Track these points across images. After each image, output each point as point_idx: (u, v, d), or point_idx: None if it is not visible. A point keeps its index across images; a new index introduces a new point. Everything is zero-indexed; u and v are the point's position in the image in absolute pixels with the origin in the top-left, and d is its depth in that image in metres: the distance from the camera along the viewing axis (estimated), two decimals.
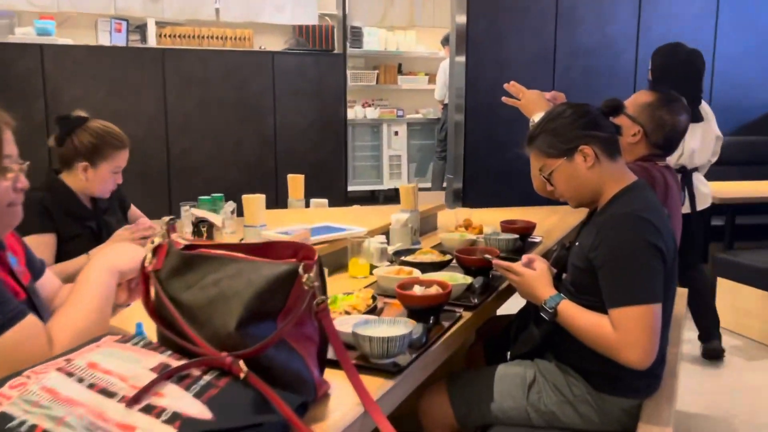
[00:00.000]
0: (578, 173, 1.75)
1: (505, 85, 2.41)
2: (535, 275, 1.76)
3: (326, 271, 1.65)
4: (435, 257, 2.04)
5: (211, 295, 1.12)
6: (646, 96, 2.29)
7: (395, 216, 2.38)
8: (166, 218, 1.21)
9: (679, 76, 3.01)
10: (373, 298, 1.68)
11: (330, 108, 4.79)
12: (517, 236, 2.36)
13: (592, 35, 5.10)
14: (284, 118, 4.69)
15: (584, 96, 2.08)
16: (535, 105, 2.33)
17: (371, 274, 2.00)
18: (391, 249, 2.25)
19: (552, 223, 2.85)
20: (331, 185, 4.82)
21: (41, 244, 2.11)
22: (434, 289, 1.65)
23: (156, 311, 1.15)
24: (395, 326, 1.41)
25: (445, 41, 6.54)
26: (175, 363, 1.02)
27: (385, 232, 2.38)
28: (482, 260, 1.93)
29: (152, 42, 5.94)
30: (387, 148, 6.91)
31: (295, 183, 2.82)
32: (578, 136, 1.74)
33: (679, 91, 2.35)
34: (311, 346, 1.20)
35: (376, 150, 6.90)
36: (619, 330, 1.57)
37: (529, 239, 2.54)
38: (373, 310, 1.63)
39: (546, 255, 2.40)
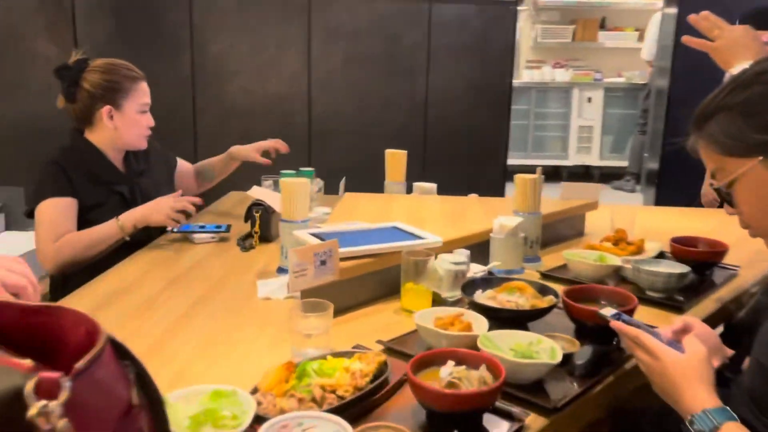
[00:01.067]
0: None
1: (691, 17, 1.51)
2: (680, 363, 0.99)
3: (327, 317, 1.02)
4: (526, 299, 1.27)
5: None
6: None
7: (499, 220, 1.64)
8: None
9: None
10: (380, 371, 1.02)
11: (494, 68, 4.02)
12: (687, 269, 1.52)
13: None
14: (439, 78, 4.03)
15: None
16: (738, 50, 1.42)
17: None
18: (481, 271, 1.55)
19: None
20: (488, 159, 4.09)
21: (60, 208, 1.79)
22: (476, 378, 0.94)
23: None
24: None
25: None
26: None
27: (486, 241, 1.66)
28: (595, 314, 1.16)
29: None
30: (577, 117, 5.91)
31: (395, 161, 2.18)
32: None
33: None
34: None
35: (565, 119, 5.94)
36: None
37: (717, 267, 1.68)
38: (368, 396, 0.97)
39: (735, 302, 1.53)
